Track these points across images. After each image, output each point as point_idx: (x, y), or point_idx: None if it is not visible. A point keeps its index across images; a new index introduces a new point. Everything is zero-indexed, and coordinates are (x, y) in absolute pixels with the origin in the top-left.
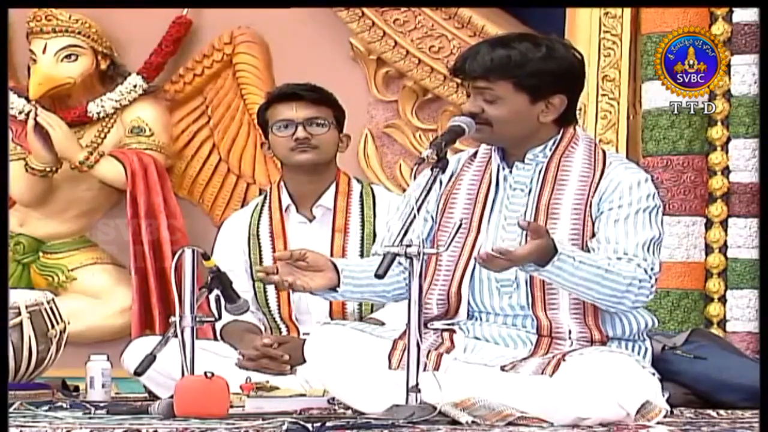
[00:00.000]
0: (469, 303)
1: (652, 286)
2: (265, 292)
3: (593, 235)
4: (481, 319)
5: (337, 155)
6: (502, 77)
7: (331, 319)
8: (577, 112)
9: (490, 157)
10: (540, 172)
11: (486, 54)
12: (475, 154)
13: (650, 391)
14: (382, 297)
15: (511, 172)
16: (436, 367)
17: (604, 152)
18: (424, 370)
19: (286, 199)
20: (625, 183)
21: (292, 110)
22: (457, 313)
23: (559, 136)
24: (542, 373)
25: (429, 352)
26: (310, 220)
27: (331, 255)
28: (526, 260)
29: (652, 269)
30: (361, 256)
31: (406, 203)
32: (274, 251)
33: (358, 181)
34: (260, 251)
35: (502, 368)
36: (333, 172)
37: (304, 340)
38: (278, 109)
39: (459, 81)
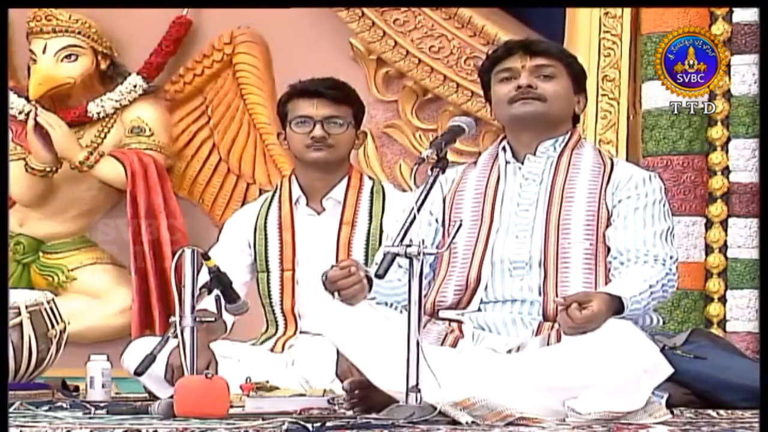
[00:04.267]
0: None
1: (675, 274)
2: (268, 283)
3: (608, 223)
4: (486, 310)
5: (351, 152)
6: (560, 59)
7: None
8: None
9: (495, 157)
10: (552, 164)
11: (545, 40)
12: (475, 162)
13: (654, 353)
14: (396, 305)
15: (522, 164)
16: (454, 346)
17: (609, 153)
18: (442, 344)
19: (296, 191)
20: (638, 176)
21: (312, 107)
22: (469, 304)
23: (568, 135)
24: (547, 345)
25: (446, 335)
26: (319, 213)
27: (337, 247)
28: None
29: (671, 258)
30: (366, 249)
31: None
32: (281, 243)
33: (369, 178)
34: (266, 243)
35: (508, 352)
36: (345, 168)
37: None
38: (299, 105)
39: (507, 63)
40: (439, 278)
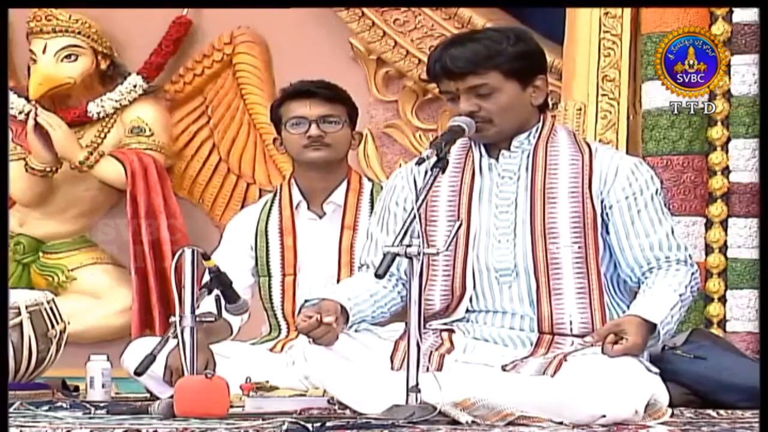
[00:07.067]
0: (470, 298)
1: (697, 270)
2: (269, 288)
3: (594, 218)
4: (478, 321)
5: (349, 153)
6: (490, 68)
7: None
8: (576, 111)
9: (469, 148)
10: (528, 158)
11: (463, 51)
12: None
13: (655, 388)
14: (381, 317)
15: (497, 160)
16: (439, 368)
17: (583, 138)
18: (426, 371)
19: (297, 196)
20: (626, 168)
21: (306, 107)
22: (457, 309)
23: (540, 123)
24: (544, 373)
25: (431, 353)
26: (320, 217)
27: (340, 252)
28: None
29: (689, 254)
30: None
31: (384, 209)
32: (282, 248)
33: (369, 180)
34: (268, 247)
35: (503, 368)
36: (345, 170)
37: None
38: (292, 106)
39: (442, 86)
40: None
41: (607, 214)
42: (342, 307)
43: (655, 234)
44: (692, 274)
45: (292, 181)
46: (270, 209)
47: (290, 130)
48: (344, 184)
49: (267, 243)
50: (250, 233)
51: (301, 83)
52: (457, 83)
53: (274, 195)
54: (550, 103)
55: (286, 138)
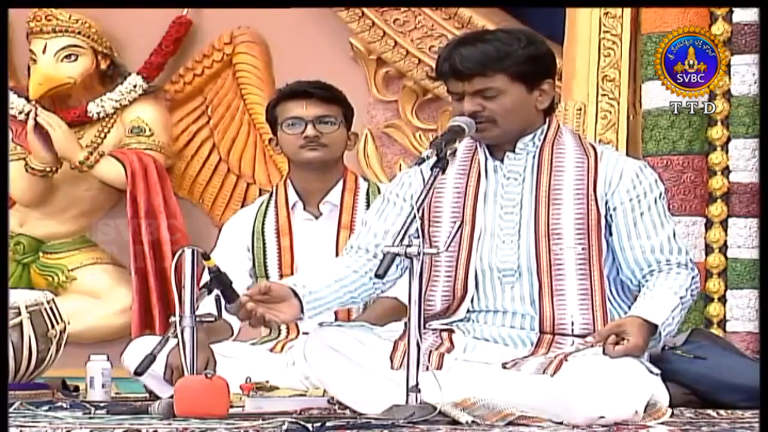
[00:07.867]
0: (471, 299)
1: (697, 274)
2: None
3: (598, 220)
4: (479, 321)
5: (345, 153)
6: (497, 70)
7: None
8: (576, 111)
9: (475, 150)
10: (533, 160)
11: (473, 52)
12: (454, 154)
13: (655, 388)
14: (351, 303)
15: (502, 162)
16: (439, 367)
17: (588, 141)
18: (426, 370)
19: (293, 196)
20: (630, 172)
21: (302, 108)
22: (458, 310)
23: (546, 126)
24: (543, 372)
25: (430, 352)
26: (317, 217)
27: (337, 252)
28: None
29: (689, 258)
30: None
31: (384, 199)
32: (279, 248)
33: (365, 179)
34: (265, 248)
35: (503, 365)
36: (340, 170)
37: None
38: (288, 107)
39: (450, 86)
40: (424, 283)
41: (610, 215)
42: (294, 293)
43: (656, 237)
44: (693, 278)
45: (288, 181)
46: (266, 210)
47: (286, 131)
48: (340, 184)
49: (264, 244)
50: (246, 235)
51: (298, 84)
52: (464, 84)
53: (270, 196)
54: (556, 106)
55: (282, 138)
